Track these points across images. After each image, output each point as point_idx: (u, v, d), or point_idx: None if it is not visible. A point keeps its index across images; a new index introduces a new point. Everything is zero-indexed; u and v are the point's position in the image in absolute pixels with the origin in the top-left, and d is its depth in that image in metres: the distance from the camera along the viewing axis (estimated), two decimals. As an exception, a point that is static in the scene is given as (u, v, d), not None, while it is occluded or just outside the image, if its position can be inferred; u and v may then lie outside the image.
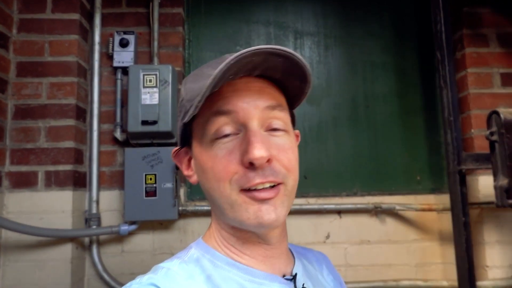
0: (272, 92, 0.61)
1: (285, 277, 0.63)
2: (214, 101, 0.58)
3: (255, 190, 0.56)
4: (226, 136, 0.58)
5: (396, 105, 2.18)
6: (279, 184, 0.57)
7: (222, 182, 0.57)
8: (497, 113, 1.36)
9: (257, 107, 0.58)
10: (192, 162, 0.66)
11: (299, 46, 2.21)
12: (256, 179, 0.55)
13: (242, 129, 0.57)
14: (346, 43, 2.22)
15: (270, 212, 0.56)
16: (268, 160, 0.55)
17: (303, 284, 0.64)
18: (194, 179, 0.66)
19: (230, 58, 0.52)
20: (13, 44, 1.86)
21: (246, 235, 0.62)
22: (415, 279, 1.98)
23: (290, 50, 0.54)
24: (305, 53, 2.20)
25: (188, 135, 0.65)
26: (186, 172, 0.68)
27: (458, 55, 2.01)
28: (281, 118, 0.60)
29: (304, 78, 0.60)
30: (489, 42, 1.97)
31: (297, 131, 0.69)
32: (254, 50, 0.52)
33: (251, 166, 0.55)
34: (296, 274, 0.64)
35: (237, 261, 0.61)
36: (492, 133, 1.38)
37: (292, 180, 0.59)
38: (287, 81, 0.62)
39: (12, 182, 1.80)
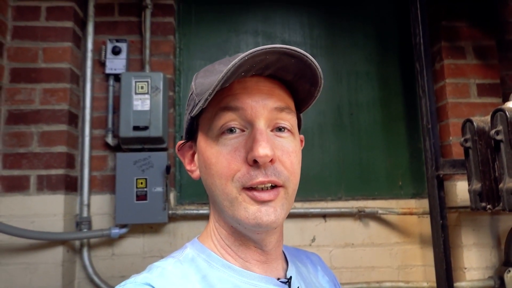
0: (282, 93, 0.61)
1: (280, 280, 0.63)
2: (223, 96, 0.58)
3: (256, 190, 0.56)
4: (231, 131, 0.58)
5: (379, 113, 2.27)
6: (279, 186, 0.57)
7: (224, 179, 0.57)
8: (470, 121, 1.45)
9: (266, 107, 0.58)
10: (196, 157, 0.66)
11: (287, 55, 2.29)
12: (259, 178, 0.55)
13: (249, 127, 0.58)
14: (332, 53, 2.31)
15: (270, 213, 0.56)
16: (272, 160, 0.56)
17: (298, 287, 0.65)
18: (196, 174, 0.66)
19: (245, 53, 0.52)
20: (7, 51, 1.90)
21: (243, 238, 0.62)
22: (397, 281, 2.06)
23: (303, 51, 0.54)
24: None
25: (194, 129, 0.65)
26: (188, 167, 0.68)
27: (437, 66, 2.11)
28: (288, 120, 0.60)
29: (315, 82, 0.60)
30: (466, 54, 2.08)
31: (301, 136, 0.69)
32: (270, 48, 0.52)
33: (254, 164, 0.55)
34: (291, 277, 0.65)
35: (232, 263, 0.61)
36: (466, 140, 1.47)
37: (293, 184, 0.60)
38: (297, 83, 0.62)
39: (4, 186, 1.83)
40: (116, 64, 2.03)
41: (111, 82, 2.04)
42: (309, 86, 0.62)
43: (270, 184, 0.56)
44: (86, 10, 2.07)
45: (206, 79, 0.61)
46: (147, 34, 2.08)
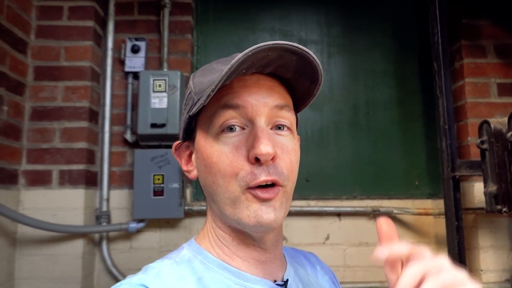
0: (281, 92, 0.61)
1: (276, 283, 0.62)
2: (223, 94, 0.58)
3: (259, 188, 0.56)
4: (231, 129, 0.58)
5: (396, 112, 2.25)
6: (279, 185, 0.57)
7: (227, 178, 0.57)
8: (487, 122, 1.43)
9: (266, 104, 0.58)
10: (193, 157, 0.65)
11: (303, 53, 2.29)
12: (262, 176, 0.55)
13: (249, 124, 0.58)
14: (349, 51, 2.29)
15: (270, 212, 0.56)
16: (273, 158, 0.56)
17: None
18: (193, 174, 0.65)
19: (248, 49, 0.51)
20: (31, 50, 1.97)
21: (241, 236, 0.61)
22: (411, 281, 2.05)
23: (305, 48, 0.54)
24: (308, 60, 2.28)
25: (192, 128, 0.64)
26: (185, 167, 0.67)
27: (457, 65, 2.07)
28: (288, 118, 0.60)
29: (315, 79, 0.60)
30: (487, 53, 2.04)
31: (298, 137, 0.68)
32: (272, 44, 0.52)
33: (256, 162, 0.55)
34: (287, 280, 0.64)
35: (229, 264, 0.61)
36: (482, 142, 1.45)
37: (291, 182, 0.59)
38: (297, 81, 0.61)
39: (28, 180, 1.90)
40: (135, 62, 2.08)
41: (130, 80, 2.09)
42: (309, 84, 0.61)
43: (271, 182, 0.56)
44: (106, 9, 2.11)
45: (205, 77, 0.61)
46: (165, 33, 2.11)
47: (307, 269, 0.75)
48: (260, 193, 0.55)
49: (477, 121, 1.95)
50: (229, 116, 0.57)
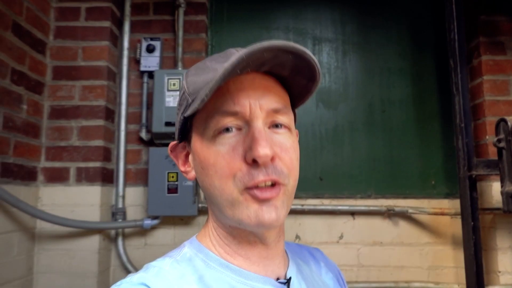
0: (278, 91, 0.60)
1: (279, 281, 0.62)
2: (218, 96, 0.57)
3: (257, 188, 0.55)
4: (228, 130, 0.57)
5: (412, 110, 2.22)
6: (280, 184, 0.56)
7: (225, 179, 0.56)
8: (504, 120, 1.40)
9: (263, 107, 0.57)
10: (190, 157, 0.64)
11: (317, 52, 2.28)
12: (260, 177, 0.54)
13: (246, 125, 0.57)
14: (364, 49, 2.27)
15: (271, 211, 0.55)
16: (272, 158, 0.55)
17: None
18: (191, 175, 0.64)
19: (242, 52, 0.50)
20: (50, 50, 2.02)
21: (243, 234, 0.60)
22: (427, 281, 2.02)
23: (301, 47, 0.53)
24: (323, 58, 2.27)
25: (187, 129, 0.63)
26: (182, 168, 0.66)
27: (475, 63, 2.03)
28: (285, 116, 0.60)
29: (312, 77, 0.58)
30: (506, 49, 1.99)
31: (296, 131, 0.67)
32: (266, 46, 0.51)
33: (254, 163, 0.54)
34: (290, 278, 0.63)
35: (230, 262, 0.60)
36: (499, 140, 1.42)
37: (293, 180, 0.59)
38: (293, 79, 0.60)
39: (47, 177, 1.95)
40: (150, 62, 2.10)
41: (145, 79, 2.12)
42: (306, 81, 0.60)
43: (270, 182, 0.55)
44: (123, 9, 2.15)
45: (198, 77, 0.59)
46: (180, 32, 2.13)
47: (311, 266, 0.74)
48: (258, 193, 0.55)
49: (495, 120, 1.91)
50: (226, 121, 0.56)
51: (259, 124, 0.56)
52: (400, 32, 2.27)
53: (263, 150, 0.53)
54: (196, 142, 0.60)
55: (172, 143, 0.67)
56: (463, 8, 1.73)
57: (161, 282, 0.55)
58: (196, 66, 0.63)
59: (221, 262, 0.60)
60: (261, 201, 0.55)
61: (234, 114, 0.56)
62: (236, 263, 0.60)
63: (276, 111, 0.58)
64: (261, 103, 0.57)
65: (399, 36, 2.27)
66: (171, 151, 0.67)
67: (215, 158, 0.57)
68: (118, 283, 0.55)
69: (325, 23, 2.30)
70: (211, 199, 0.60)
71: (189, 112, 0.57)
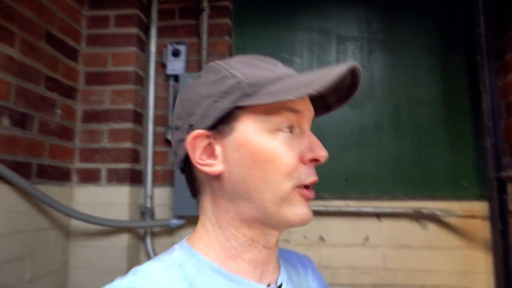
0: None
1: (270, 287, 0.63)
2: None
3: (307, 188, 0.59)
4: (286, 130, 0.59)
5: (441, 108, 2.14)
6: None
7: (283, 175, 0.57)
8: (532, 121, 1.33)
9: (311, 112, 0.64)
10: (218, 149, 0.60)
11: (342, 51, 2.25)
12: (313, 177, 0.60)
13: (298, 129, 0.61)
14: (390, 46, 2.22)
15: (310, 210, 0.60)
16: None
17: None
18: (217, 169, 0.60)
19: (335, 75, 0.54)
20: (82, 57, 2.13)
21: (258, 237, 0.61)
22: (456, 286, 1.95)
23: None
24: (347, 58, 2.24)
25: (230, 119, 0.59)
26: (200, 160, 0.60)
27: (507, 58, 1.92)
28: None
29: (343, 100, 0.66)
30: (542, 43, 1.87)
31: None
32: (347, 68, 0.55)
33: (309, 163, 0.59)
34: (281, 284, 0.64)
35: (225, 267, 0.60)
36: (527, 142, 1.34)
37: None
38: (326, 95, 0.67)
39: (80, 178, 2.06)
40: (175, 66, 2.16)
41: (171, 82, 2.19)
42: (334, 101, 0.68)
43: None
44: (149, 16, 2.23)
45: (257, 72, 0.59)
46: (204, 36, 2.18)
47: (299, 272, 0.74)
48: (308, 193, 0.59)
49: (530, 118, 1.81)
50: (290, 118, 0.59)
51: (310, 129, 0.63)
52: (427, 28, 2.20)
53: (325, 152, 0.59)
54: (250, 134, 0.58)
55: (198, 132, 0.60)
56: (491, 2, 1.65)
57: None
58: (241, 60, 0.63)
59: (213, 267, 0.59)
60: (307, 199, 0.60)
61: (298, 112, 0.60)
62: (233, 267, 0.60)
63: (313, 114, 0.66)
64: (311, 109, 0.64)
65: (426, 32, 2.19)
66: (192, 139, 0.60)
67: (278, 153, 0.57)
68: (107, 286, 0.54)
69: (349, 21, 2.27)
70: (250, 193, 0.58)
71: (257, 102, 0.56)
